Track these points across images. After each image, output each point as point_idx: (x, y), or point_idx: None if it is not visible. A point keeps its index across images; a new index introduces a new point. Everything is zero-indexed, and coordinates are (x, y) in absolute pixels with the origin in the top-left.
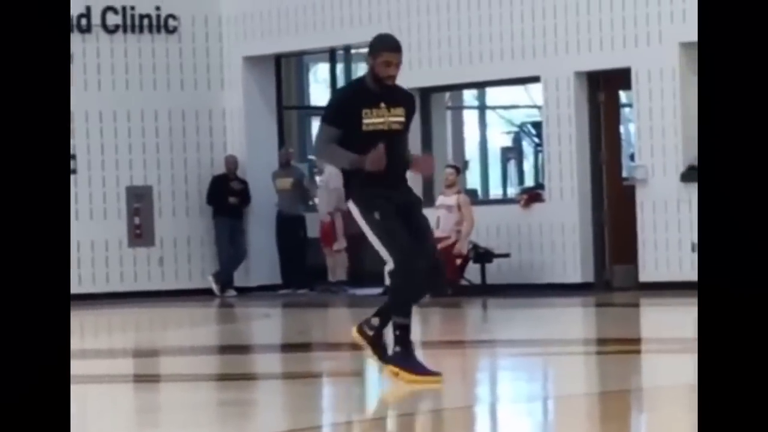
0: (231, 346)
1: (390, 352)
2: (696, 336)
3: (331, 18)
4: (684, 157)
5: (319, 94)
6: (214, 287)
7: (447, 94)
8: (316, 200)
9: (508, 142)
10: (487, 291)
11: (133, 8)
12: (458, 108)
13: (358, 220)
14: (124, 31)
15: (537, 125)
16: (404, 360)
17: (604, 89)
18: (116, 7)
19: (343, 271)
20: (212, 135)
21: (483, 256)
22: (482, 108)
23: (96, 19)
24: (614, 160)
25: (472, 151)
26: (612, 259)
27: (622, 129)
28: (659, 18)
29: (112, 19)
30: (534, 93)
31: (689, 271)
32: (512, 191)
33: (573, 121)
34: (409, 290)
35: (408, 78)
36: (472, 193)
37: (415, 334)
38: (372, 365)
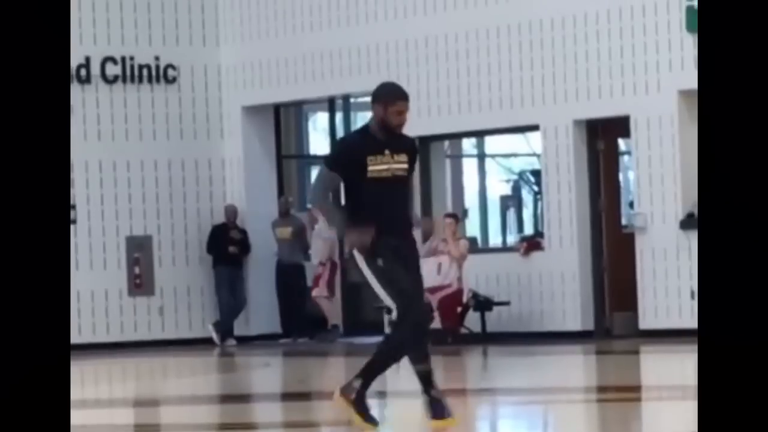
0: (231, 395)
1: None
2: (695, 384)
3: (330, 67)
4: (683, 204)
5: (319, 143)
6: (215, 336)
7: (446, 143)
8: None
9: (507, 190)
10: (487, 339)
11: (132, 58)
12: (457, 156)
13: (362, 267)
14: (124, 81)
15: (536, 173)
16: (437, 408)
17: (603, 137)
18: (115, 58)
19: (333, 316)
20: (212, 184)
21: (483, 304)
22: (481, 156)
23: (95, 70)
24: (613, 207)
25: (471, 200)
26: (612, 307)
27: (621, 177)
28: (658, 66)
29: (112, 70)
30: (533, 141)
31: (689, 319)
32: (512, 239)
33: (572, 169)
34: (421, 337)
35: (407, 127)
36: (471, 242)
37: (415, 383)
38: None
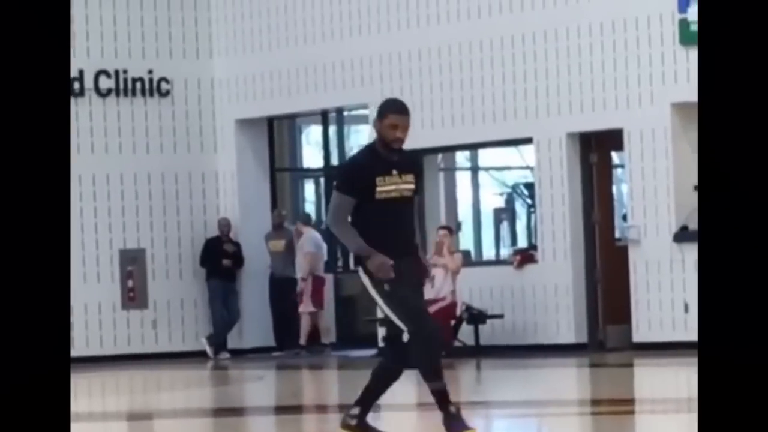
0: (225, 408)
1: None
2: (689, 397)
3: (323, 80)
4: (676, 217)
5: (312, 156)
6: (208, 349)
7: (439, 156)
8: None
9: (500, 203)
10: (480, 352)
11: (125, 72)
12: (451, 169)
13: (369, 289)
14: (117, 94)
15: (530, 186)
16: (455, 425)
17: (597, 150)
18: (109, 71)
19: (324, 332)
20: (205, 197)
21: (476, 317)
22: (475, 169)
23: (89, 83)
24: (607, 220)
25: (464, 213)
26: (605, 320)
27: (614, 189)
28: (651, 79)
29: (105, 83)
30: (526, 154)
31: (683, 332)
32: (505, 252)
33: (565, 181)
34: (434, 354)
35: None
36: (465, 255)
37: (410, 396)
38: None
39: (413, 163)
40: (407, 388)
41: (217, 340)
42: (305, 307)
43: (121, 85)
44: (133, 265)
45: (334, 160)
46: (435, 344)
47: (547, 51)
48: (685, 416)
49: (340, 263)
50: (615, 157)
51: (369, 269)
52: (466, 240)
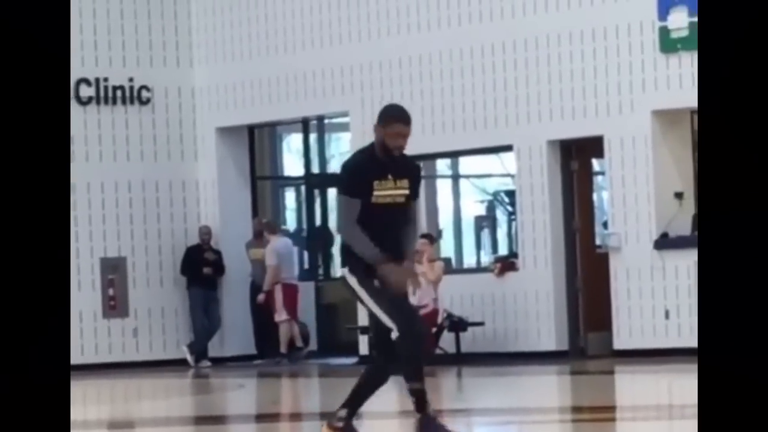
0: (206, 416)
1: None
2: (671, 404)
3: (303, 89)
4: (657, 224)
5: (293, 164)
6: (189, 358)
7: (420, 164)
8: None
9: (481, 210)
10: (461, 360)
11: (106, 80)
12: (431, 177)
13: (356, 288)
14: (98, 102)
15: (510, 194)
16: (431, 427)
17: (577, 157)
18: (89, 79)
19: (298, 338)
20: (186, 206)
21: (457, 324)
22: (455, 177)
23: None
24: (587, 228)
25: (445, 220)
26: (586, 327)
27: (595, 197)
28: (631, 86)
29: (86, 91)
30: (507, 162)
31: (663, 338)
32: (486, 260)
33: (546, 189)
34: (418, 354)
35: None
36: (446, 262)
37: (391, 404)
38: None
39: (410, 168)
40: (389, 395)
41: (198, 349)
42: (279, 316)
43: (102, 94)
44: (114, 274)
45: (315, 168)
46: (422, 344)
47: (528, 59)
48: (666, 423)
49: (321, 271)
50: (595, 164)
51: (383, 277)
52: (447, 248)
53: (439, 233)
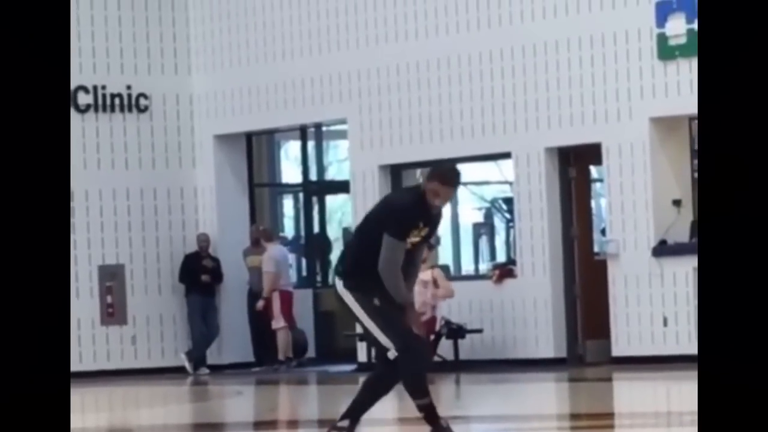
0: (204, 424)
1: None
2: (669, 411)
3: (301, 96)
4: (655, 231)
5: (291, 171)
6: (187, 365)
7: (418, 171)
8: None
9: (479, 218)
10: (459, 367)
11: (104, 87)
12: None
13: (354, 307)
14: (96, 110)
15: (508, 201)
16: None
17: (575, 164)
18: (87, 87)
19: (288, 349)
20: (184, 213)
21: (455, 331)
22: None
23: None
24: (585, 235)
25: (443, 227)
26: (584, 334)
27: (593, 204)
28: (629, 93)
29: (84, 99)
30: (505, 169)
31: (662, 346)
32: (484, 267)
33: (544, 196)
34: (421, 371)
35: (379, 155)
36: (444, 269)
37: (389, 411)
38: None
39: (436, 219)
40: (390, 403)
41: (197, 356)
42: (277, 323)
43: (100, 101)
44: (112, 281)
45: (313, 176)
46: (423, 361)
47: (525, 66)
48: (665, 430)
49: (319, 278)
50: (593, 171)
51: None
52: (445, 255)
53: (437, 240)
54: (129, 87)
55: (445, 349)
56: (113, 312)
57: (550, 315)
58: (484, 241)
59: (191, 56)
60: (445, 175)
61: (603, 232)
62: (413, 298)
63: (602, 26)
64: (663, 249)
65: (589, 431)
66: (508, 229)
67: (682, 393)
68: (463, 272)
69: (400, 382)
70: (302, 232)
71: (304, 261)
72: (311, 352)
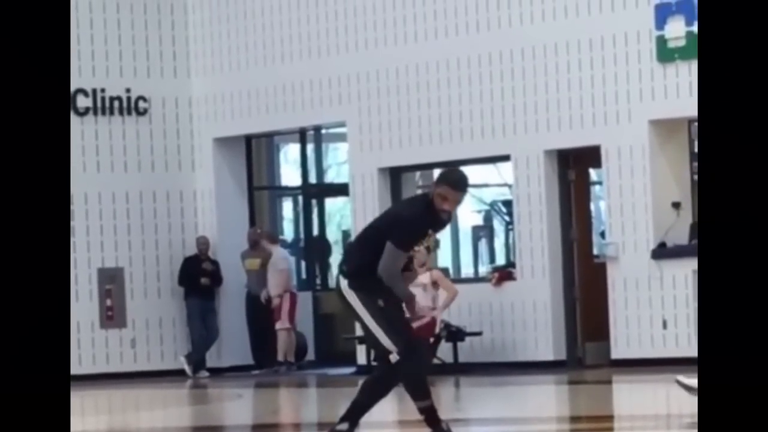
0: (204, 427)
1: None
2: (668, 413)
3: (301, 99)
4: (654, 234)
5: (290, 174)
6: (187, 368)
7: (417, 174)
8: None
9: (479, 220)
10: (459, 369)
11: (103, 90)
12: (429, 187)
13: (357, 307)
14: (95, 113)
15: (508, 203)
16: None
17: (575, 167)
18: (87, 90)
19: (291, 351)
20: (183, 216)
21: (455, 334)
22: None
23: None
24: (585, 237)
25: (443, 230)
26: (584, 337)
27: (592, 206)
28: (628, 96)
29: (83, 102)
30: (504, 171)
31: (661, 348)
32: (483, 270)
33: (543, 199)
34: (421, 372)
35: (378, 158)
36: (443, 272)
37: (390, 414)
38: None
39: (442, 225)
40: (390, 405)
41: (196, 359)
42: (282, 324)
43: (99, 104)
44: (111, 284)
45: (312, 179)
46: (424, 364)
47: (525, 68)
48: None
49: (318, 281)
50: (593, 174)
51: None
52: (444, 257)
53: (437, 243)
54: (128, 90)
55: (444, 351)
56: (113, 315)
57: (549, 318)
58: (483, 244)
59: (190, 59)
60: (454, 179)
61: (602, 234)
62: (412, 293)
63: (602, 29)
64: (662, 251)
65: None
66: (507, 231)
67: (682, 395)
68: (463, 275)
69: (399, 383)
70: (302, 235)
71: (303, 264)
72: (311, 355)
